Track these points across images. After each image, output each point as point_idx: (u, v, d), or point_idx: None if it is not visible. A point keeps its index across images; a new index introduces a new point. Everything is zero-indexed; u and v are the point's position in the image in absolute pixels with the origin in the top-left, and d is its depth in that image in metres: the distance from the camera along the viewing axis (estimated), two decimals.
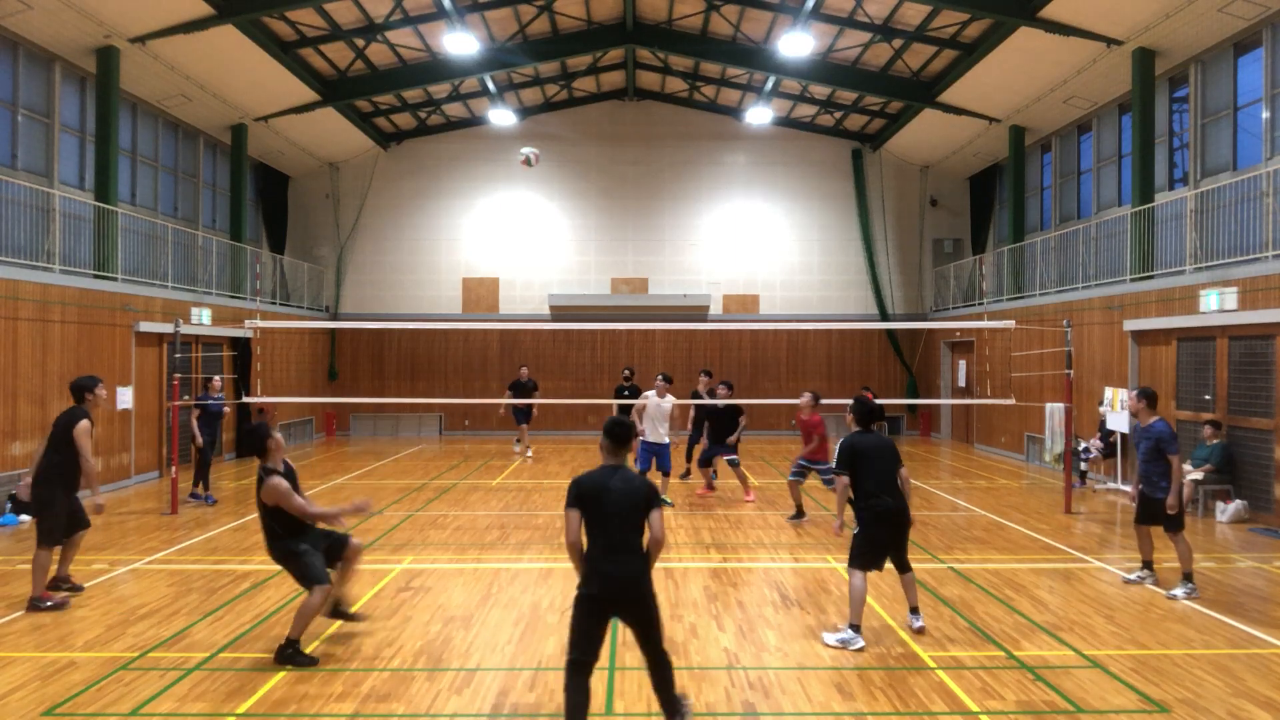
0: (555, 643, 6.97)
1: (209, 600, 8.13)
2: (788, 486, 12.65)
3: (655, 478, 12.78)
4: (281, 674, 6.29)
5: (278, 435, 6.87)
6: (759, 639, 7.10)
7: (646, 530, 5.09)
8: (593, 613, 5.01)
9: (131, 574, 9.15)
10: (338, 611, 7.11)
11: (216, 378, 14.22)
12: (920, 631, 7.20)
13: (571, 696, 4.91)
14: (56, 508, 8.10)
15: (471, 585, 8.74)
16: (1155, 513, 8.52)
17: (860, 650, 6.78)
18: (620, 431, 5.20)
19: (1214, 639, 7.14)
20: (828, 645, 6.89)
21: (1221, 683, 6.18)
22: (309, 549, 6.72)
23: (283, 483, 6.64)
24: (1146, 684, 6.14)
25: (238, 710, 5.67)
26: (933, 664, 6.51)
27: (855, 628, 6.91)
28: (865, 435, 7.29)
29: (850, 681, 6.18)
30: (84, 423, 8.17)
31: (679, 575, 9.18)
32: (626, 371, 18.20)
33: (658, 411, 12.84)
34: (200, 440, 13.34)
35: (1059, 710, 5.71)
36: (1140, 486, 8.67)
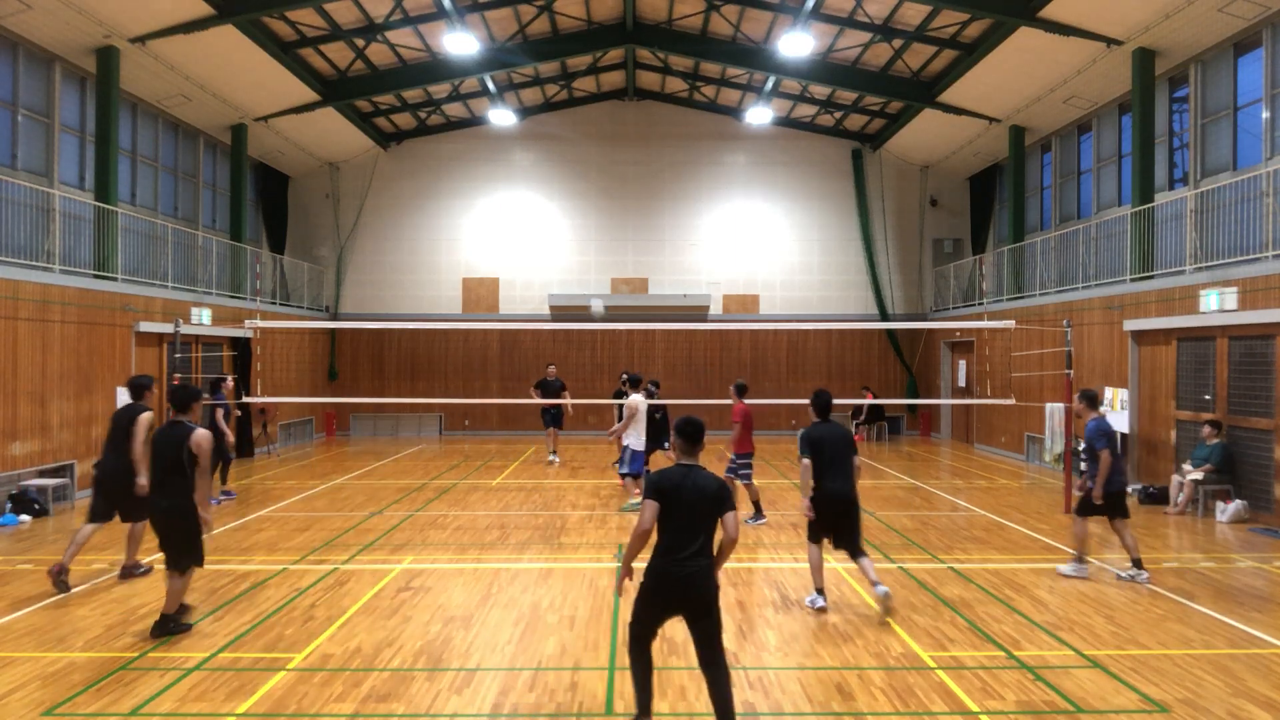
0: (555, 642, 6.98)
1: (209, 600, 8.13)
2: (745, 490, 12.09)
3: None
4: (281, 674, 6.29)
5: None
6: (759, 639, 7.11)
7: (719, 530, 5.22)
8: (654, 605, 5.23)
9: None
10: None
11: (230, 378, 14.38)
12: (886, 597, 7.46)
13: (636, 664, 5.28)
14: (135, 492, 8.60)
15: (471, 585, 8.74)
16: (1095, 505, 9.05)
17: (822, 610, 7.79)
18: (692, 430, 5.33)
19: (1214, 639, 7.14)
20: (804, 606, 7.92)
21: (1221, 683, 6.18)
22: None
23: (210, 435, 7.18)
24: (1146, 684, 6.14)
25: (238, 710, 5.68)
26: (933, 664, 6.51)
27: (819, 590, 7.99)
28: (822, 425, 8.06)
29: (850, 681, 6.18)
30: (146, 414, 8.64)
31: None
32: (624, 375, 18.11)
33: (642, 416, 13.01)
34: (232, 439, 13.61)
35: (1059, 710, 5.71)
36: (1085, 481, 9.21)
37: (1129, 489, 9.28)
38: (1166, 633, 7.29)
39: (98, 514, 8.61)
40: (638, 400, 12.95)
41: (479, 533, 11.35)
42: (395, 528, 11.60)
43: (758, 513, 11.98)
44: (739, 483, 11.78)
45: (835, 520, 7.88)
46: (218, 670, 6.36)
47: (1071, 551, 9.44)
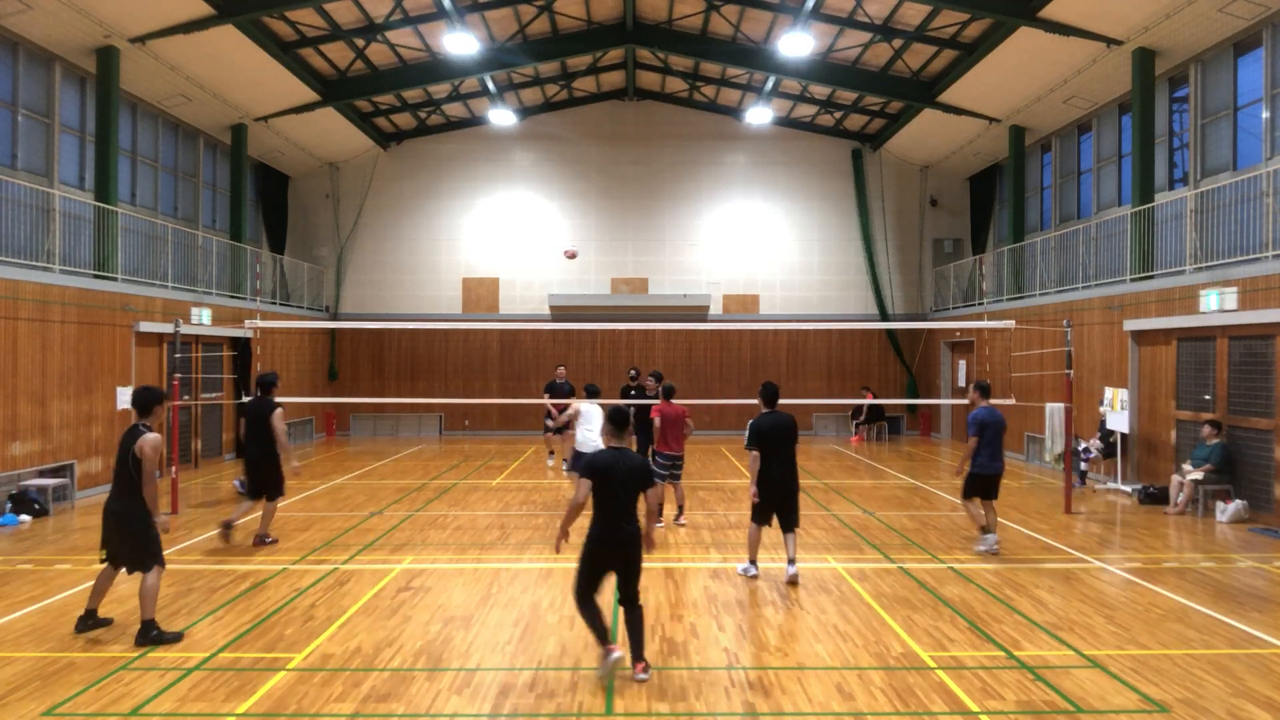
0: (555, 642, 6.98)
1: (209, 600, 8.13)
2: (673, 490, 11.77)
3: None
4: (281, 674, 6.29)
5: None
6: (759, 639, 7.11)
7: (641, 501, 6.36)
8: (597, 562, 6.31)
9: (131, 574, 9.12)
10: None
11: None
12: (793, 580, 8.64)
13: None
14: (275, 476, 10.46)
15: (471, 585, 8.74)
16: (973, 486, 10.18)
17: (754, 577, 8.95)
18: (620, 419, 6.50)
19: (1214, 639, 7.14)
20: (737, 574, 9.06)
21: (1221, 683, 6.18)
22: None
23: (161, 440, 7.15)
24: (1146, 684, 6.14)
25: (238, 710, 5.68)
26: (933, 664, 6.51)
27: (752, 562, 9.13)
28: (770, 415, 8.85)
29: (850, 681, 6.18)
30: (279, 410, 10.28)
31: (679, 575, 9.18)
32: (633, 371, 18.14)
33: (590, 416, 12.42)
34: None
35: (1059, 710, 5.71)
36: (963, 464, 10.21)
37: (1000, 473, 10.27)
38: (1166, 633, 7.29)
39: (251, 493, 10.59)
40: (578, 404, 12.56)
41: (479, 533, 11.35)
42: (395, 528, 11.60)
43: (679, 513, 11.91)
44: (668, 483, 11.37)
45: (779, 504, 8.83)
46: (218, 670, 6.36)
47: (986, 532, 10.20)
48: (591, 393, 12.70)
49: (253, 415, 10.42)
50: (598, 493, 6.20)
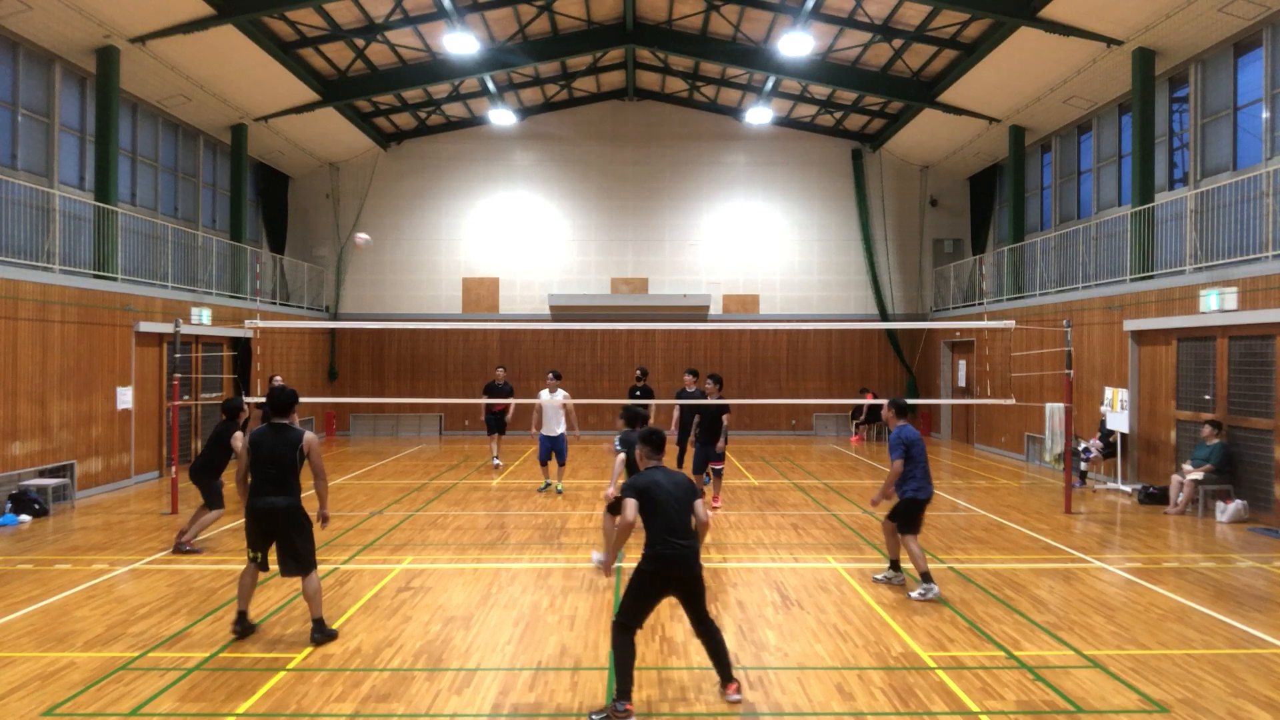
0: (555, 642, 6.98)
1: (209, 600, 8.13)
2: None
3: (552, 467, 14.54)
4: (281, 674, 6.29)
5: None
6: (759, 639, 7.11)
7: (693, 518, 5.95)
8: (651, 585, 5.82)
9: (131, 574, 9.14)
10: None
11: (278, 377, 14.20)
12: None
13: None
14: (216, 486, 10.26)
15: (471, 585, 8.74)
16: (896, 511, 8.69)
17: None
18: (656, 439, 6.18)
19: (1214, 639, 7.14)
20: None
21: (1221, 683, 6.18)
22: None
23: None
24: (1146, 684, 6.14)
25: (238, 710, 5.67)
26: (933, 664, 6.51)
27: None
28: (632, 432, 8.71)
29: (850, 681, 6.18)
30: (238, 433, 10.12)
31: None
32: (639, 371, 18.09)
33: (550, 407, 13.99)
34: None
35: (1059, 710, 5.71)
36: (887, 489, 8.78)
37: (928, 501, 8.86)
38: (1166, 633, 7.29)
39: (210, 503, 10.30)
40: (543, 395, 14.14)
41: (479, 533, 11.35)
42: (395, 528, 11.60)
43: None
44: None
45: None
46: (218, 670, 6.36)
47: (928, 579, 8.46)
48: (712, 378, 12.91)
49: (214, 433, 10.38)
50: (647, 514, 5.76)
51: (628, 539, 5.87)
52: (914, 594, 8.27)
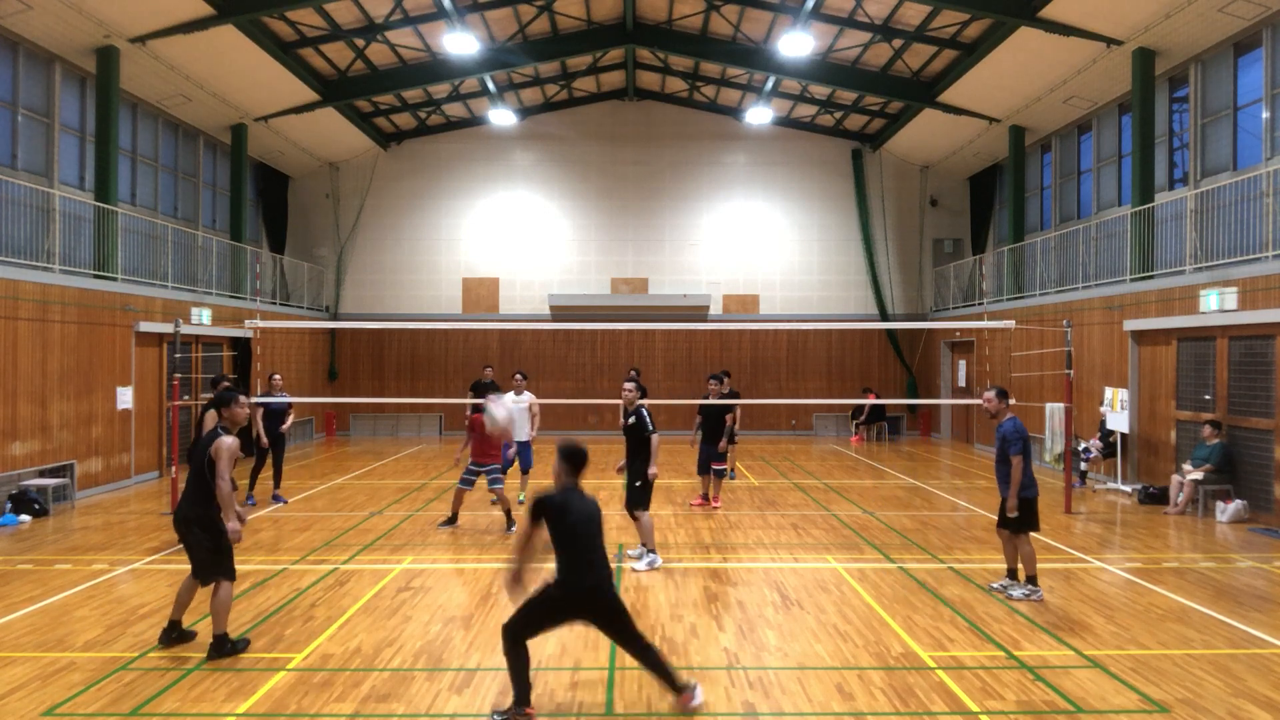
0: (555, 642, 6.97)
1: (209, 600, 8.11)
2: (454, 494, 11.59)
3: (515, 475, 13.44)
4: (281, 674, 6.29)
5: (243, 399, 7.07)
6: (759, 639, 7.11)
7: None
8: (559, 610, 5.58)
9: (131, 574, 9.14)
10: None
11: (277, 375, 14.00)
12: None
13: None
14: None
15: (471, 585, 8.73)
16: (1003, 514, 8.28)
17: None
18: (577, 456, 5.70)
19: (1214, 639, 7.14)
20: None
21: (1221, 683, 6.18)
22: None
23: (235, 443, 6.73)
24: (1146, 684, 6.14)
25: (238, 710, 5.67)
26: (933, 664, 6.51)
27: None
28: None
29: (850, 681, 6.18)
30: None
31: (679, 575, 9.17)
32: (632, 372, 18.05)
33: (516, 409, 12.31)
34: (265, 440, 13.15)
35: (1059, 710, 5.71)
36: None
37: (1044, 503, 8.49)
38: (1166, 633, 7.29)
39: None
40: (508, 397, 12.25)
41: (479, 533, 11.35)
42: (395, 528, 11.60)
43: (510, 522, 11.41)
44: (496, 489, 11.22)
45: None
46: (218, 670, 6.36)
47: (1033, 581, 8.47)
48: (728, 380, 12.44)
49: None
50: (559, 538, 5.52)
51: (533, 552, 5.61)
52: (1016, 593, 8.21)
